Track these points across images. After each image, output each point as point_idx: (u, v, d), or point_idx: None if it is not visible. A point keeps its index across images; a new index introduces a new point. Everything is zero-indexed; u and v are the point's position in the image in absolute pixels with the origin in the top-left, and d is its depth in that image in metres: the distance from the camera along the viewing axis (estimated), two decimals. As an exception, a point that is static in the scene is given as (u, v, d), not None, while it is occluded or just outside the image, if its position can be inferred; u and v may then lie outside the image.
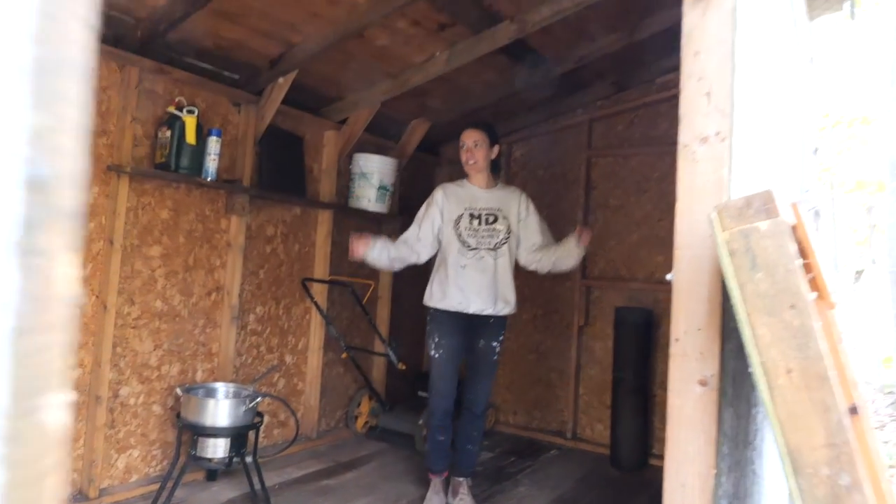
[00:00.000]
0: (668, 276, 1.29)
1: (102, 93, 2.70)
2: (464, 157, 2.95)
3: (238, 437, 2.74)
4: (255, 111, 3.30)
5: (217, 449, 2.71)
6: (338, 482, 3.23)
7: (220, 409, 2.70)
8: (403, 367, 3.72)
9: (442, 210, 2.95)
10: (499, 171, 3.12)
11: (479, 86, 3.92)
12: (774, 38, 1.65)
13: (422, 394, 4.14)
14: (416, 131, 4.36)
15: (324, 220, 3.86)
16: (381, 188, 4.00)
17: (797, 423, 0.96)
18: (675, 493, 1.27)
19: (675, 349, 1.27)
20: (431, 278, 2.96)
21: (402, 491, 3.16)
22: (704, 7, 1.28)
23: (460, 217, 2.92)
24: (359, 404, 4.13)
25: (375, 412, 4.11)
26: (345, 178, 4.04)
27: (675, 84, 1.42)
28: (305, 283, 3.71)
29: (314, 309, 3.81)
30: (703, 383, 1.24)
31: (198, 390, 2.87)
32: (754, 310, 0.98)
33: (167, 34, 2.71)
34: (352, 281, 3.89)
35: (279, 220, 3.62)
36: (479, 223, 2.91)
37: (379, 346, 4.17)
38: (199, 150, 2.84)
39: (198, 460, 2.71)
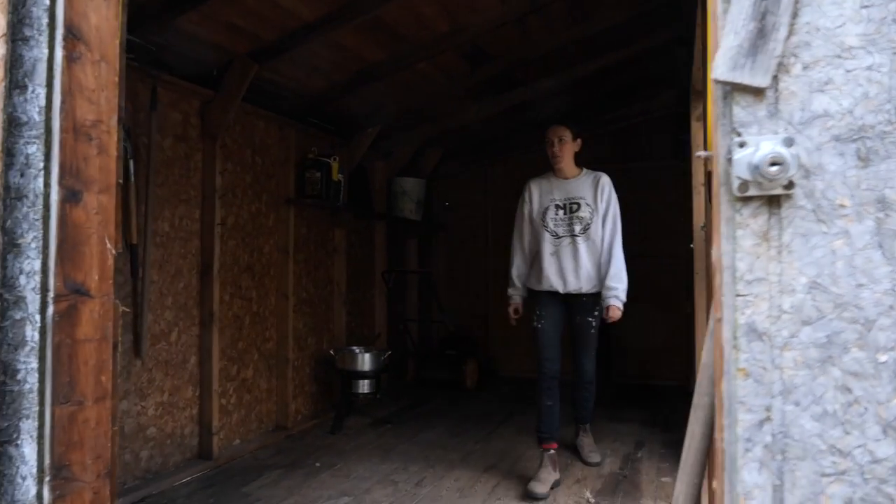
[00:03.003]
0: (691, 245, 2.88)
1: (269, 148, 3.89)
2: (549, 153, 3.25)
3: (379, 377, 4.07)
4: (347, 153, 4.58)
5: (365, 386, 4.03)
6: (427, 409, 4.61)
7: (368, 359, 4.01)
8: (453, 329, 5.17)
9: (531, 205, 3.31)
10: (579, 161, 3.37)
11: (478, 125, 5.41)
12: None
13: (448, 352, 5.59)
14: (431, 157, 5.78)
15: (380, 227, 5.19)
16: (418, 202, 5.39)
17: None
18: (699, 340, 2.86)
19: (696, 276, 2.86)
20: (531, 265, 3.34)
21: (470, 409, 4.60)
22: (700, 124, 2.88)
23: (547, 209, 3.24)
24: (406, 362, 5.51)
25: (417, 367, 5.51)
26: (384, 196, 5.40)
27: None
28: (384, 275, 5.04)
29: (376, 292, 5.14)
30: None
31: (343, 351, 4.15)
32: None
33: (322, 107, 3.97)
34: (427, 271, 5.33)
35: (355, 229, 4.90)
36: (565, 212, 3.22)
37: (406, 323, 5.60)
38: (338, 184, 4.11)
39: (354, 395, 4.01)
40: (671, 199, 5.60)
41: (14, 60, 0.88)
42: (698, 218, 2.90)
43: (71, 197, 0.90)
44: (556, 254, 3.22)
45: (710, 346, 0.74)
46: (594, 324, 3.27)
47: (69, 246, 0.89)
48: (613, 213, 3.24)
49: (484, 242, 6.18)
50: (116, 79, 0.98)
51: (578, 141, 3.28)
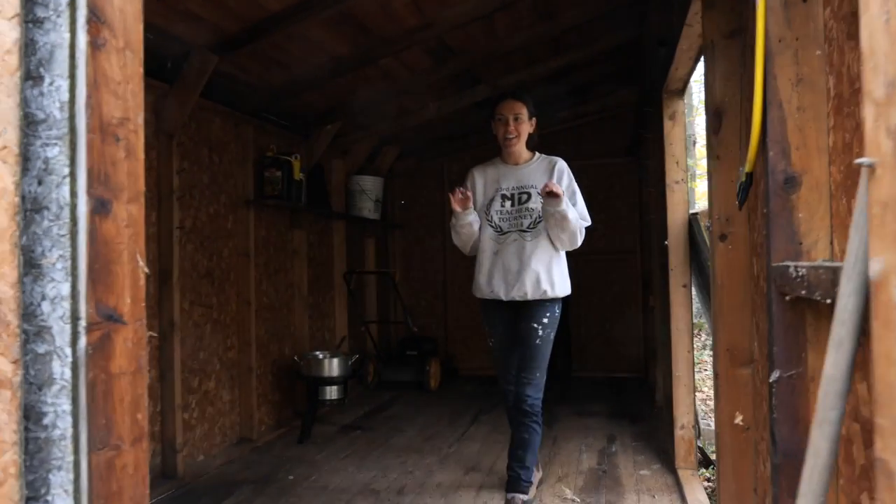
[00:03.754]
0: (666, 242, 2.91)
1: (226, 145, 3.67)
2: (501, 132, 2.69)
3: (346, 382, 3.93)
4: (306, 150, 4.39)
5: (333, 392, 3.88)
6: (392, 412, 4.51)
7: (336, 364, 3.87)
8: (416, 330, 5.07)
9: (474, 196, 2.76)
10: (534, 144, 2.81)
11: (438, 121, 5.34)
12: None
13: (409, 352, 5.49)
14: (388, 155, 5.65)
15: (339, 227, 5.02)
16: (376, 201, 5.26)
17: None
18: (675, 335, 2.91)
19: (671, 273, 2.91)
20: (474, 269, 2.81)
21: (438, 411, 4.53)
22: (673, 123, 2.92)
23: (492, 200, 2.73)
24: (367, 365, 5.38)
25: (378, 369, 5.38)
26: (342, 195, 5.23)
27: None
28: (346, 276, 4.87)
29: (336, 294, 4.98)
30: (685, 286, 2.90)
31: (309, 357, 3.99)
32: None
33: (279, 103, 3.77)
34: (390, 271, 5.19)
35: (314, 230, 4.72)
36: (512, 204, 2.69)
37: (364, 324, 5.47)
38: (300, 184, 3.93)
39: (320, 402, 3.86)
40: (627, 195, 5.72)
41: (26, 46, 0.74)
42: (675, 216, 2.94)
43: (100, 208, 0.77)
44: (500, 253, 2.68)
45: (836, 359, 0.70)
46: (540, 333, 2.65)
47: (100, 265, 0.76)
48: (576, 202, 2.66)
49: (441, 240, 6.12)
50: (141, 70, 0.85)
51: (534, 121, 2.77)
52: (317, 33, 3.30)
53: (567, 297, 2.77)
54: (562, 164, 2.75)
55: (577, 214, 2.59)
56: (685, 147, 2.99)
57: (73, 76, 0.75)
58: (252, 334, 3.73)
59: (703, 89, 2.36)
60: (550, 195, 2.48)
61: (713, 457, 3.77)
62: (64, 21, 0.74)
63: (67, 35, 0.75)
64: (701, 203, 8.66)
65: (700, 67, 2.52)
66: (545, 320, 2.69)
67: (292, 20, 3.01)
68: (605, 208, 5.69)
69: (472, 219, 2.70)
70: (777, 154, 1.11)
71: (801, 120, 1.09)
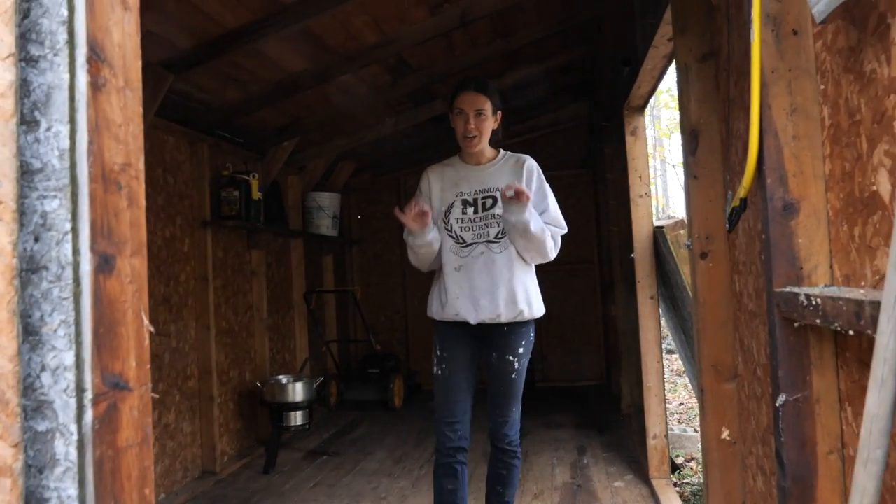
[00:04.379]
0: (632, 255, 2.97)
1: (180, 165, 3.52)
2: (461, 129, 2.29)
3: (311, 407, 3.82)
4: (262, 168, 4.26)
5: (297, 418, 3.76)
6: (356, 435, 4.41)
7: (299, 389, 3.75)
8: (379, 348, 4.98)
9: (431, 201, 2.36)
10: (497, 140, 2.42)
11: (395, 136, 5.30)
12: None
13: (371, 370, 5.40)
14: (344, 170, 5.56)
15: (297, 245, 4.90)
16: (334, 217, 5.16)
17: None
18: (645, 346, 2.96)
19: (639, 285, 2.96)
20: (432, 285, 2.42)
21: (404, 431, 4.46)
22: (635, 138, 2.98)
23: (451, 206, 2.32)
24: (329, 386, 5.25)
25: (341, 390, 5.26)
26: (299, 212, 5.11)
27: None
28: (307, 296, 4.74)
29: (296, 314, 4.84)
30: (652, 298, 2.95)
31: (271, 382, 3.85)
32: (682, 263, 2.67)
33: (234, 120, 3.65)
34: (351, 289, 5.07)
35: (271, 249, 4.59)
36: (475, 210, 2.29)
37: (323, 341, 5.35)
38: (258, 203, 3.80)
39: (285, 429, 3.73)
40: (584, 206, 5.82)
41: (20, 88, 0.67)
42: (640, 229, 3.00)
43: (104, 265, 0.70)
44: (465, 269, 2.26)
45: (879, 397, 0.70)
46: (517, 366, 2.28)
47: (105, 329, 0.69)
48: (548, 206, 2.33)
49: (399, 255, 6.06)
50: (141, 109, 0.78)
51: (499, 115, 2.37)
52: (274, 50, 3.22)
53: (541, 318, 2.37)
54: (531, 163, 2.36)
55: (541, 224, 2.22)
56: (647, 162, 3.06)
57: (73, 120, 0.68)
58: (212, 361, 3.58)
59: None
60: (512, 199, 2.10)
61: (678, 461, 3.86)
62: (62, 60, 0.67)
63: (66, 76, 0.68)
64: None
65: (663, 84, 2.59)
66: (521, 350, 2.29)
67: (250, 37, 2.92)
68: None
69: (431, 237, 2.25)
70: (775, 181, 1.13)
71: (797, 148, 1.12)
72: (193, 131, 3.57)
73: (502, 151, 2.42)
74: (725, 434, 1.73)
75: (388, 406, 5.07)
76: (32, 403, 0.66)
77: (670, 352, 6.83)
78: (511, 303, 2.25)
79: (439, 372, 2.33)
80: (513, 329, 2.29)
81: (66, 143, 0.67)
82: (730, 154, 1.59)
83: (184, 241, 3.50)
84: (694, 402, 5.28)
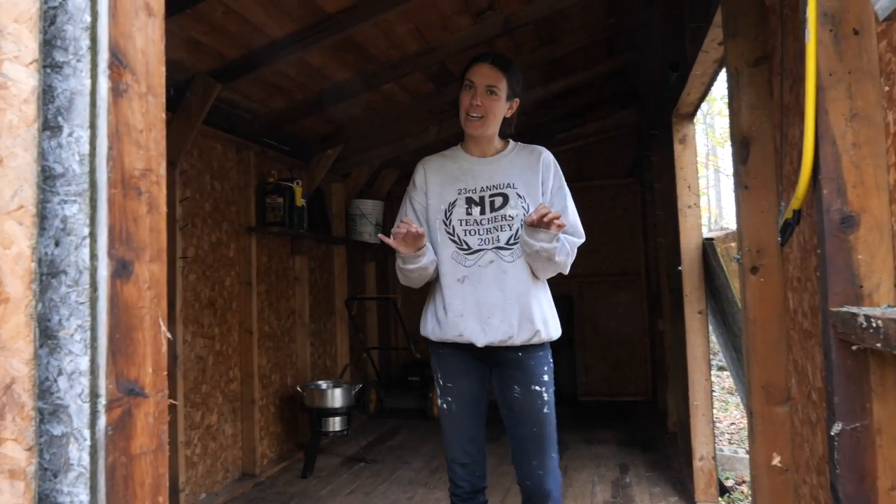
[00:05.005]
0: (679, 268, 2.86)
1: (227, 172, 3.60)
2: (465, 104, 1.93)
3: (350, 413, 3.83)
4: (307, 175, 4.33)
5: (336, 423, 3.78)
6: (394, 443, 4.39)
7: (339, 395, 3.76)
8: (419, 356, 4.97)
9: (427, 199, 2.01)
10: (509, 133, 2.07)
11: (440, 143, 5.30)
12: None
13: (411, 378, 5.38)
14: (388, 178, 5.60)
15: (340, 252, 4.94)
16: (377, 225, 5.19)
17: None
18: (692, 363, 2.84)
19: (686, 299, 2.84)
20: (427, 302, 2.05)
21: (440, 441, 4.41)
22: (684, 146, 2.88)
23: (452, 205, 1.96)
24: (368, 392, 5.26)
25: (380, 397, 5.27)
26: (342, 219, 5.16)
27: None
28: (348, 303, 4.78)
29: (338, 320, 4.88)
30: (700, 313, 2.83)
31: (311, 387, 3.88)
32: (732, 277, 2.55)
33: (280, 128, 3.71)
34: (393, 296, 5.11)
35: (315, 256, 4.64)
36: (482, 211, 1.93)
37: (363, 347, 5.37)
38: (301, 210, 3.86)
39: (324, 434, 3.75)
40: (631, 216, 5.68)
41: (43, 94, 0.67)
42: (688, 241, 2.89)
43: (121, 270, 0.69)
44: (470, 280, 1.90)
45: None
46: (545, 396, 1.91)
47: (121, 334, 0.69)
48: (567, 209, 1.95)
49: (442, 263, 6.05)
50: (163, 115, 0.78)
51: (515, 103, 2.00)
52: (319, 59, 3.26)
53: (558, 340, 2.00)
54: (548, 156, 2.00)
55: (567, 247, 1.87)
56: (696, 171, 2.95)
57: (93, 126, 0.68)
58: (255, 365, 3.63)
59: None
60: (538, 224, 1.76)
61: (727, 483, 3.68)
62: (85, 66, 0.68)
63: (88, 81, 0.68)
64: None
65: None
66: (545, 377, 1.92)
67: (295, 47, 2.97)
68: (608, 229, 5.65)
69: (426, 261, 1.90)
70: (832, 192, 1.05)
71: (857, 156, 1.04)
72: (240, 139, 3.65)
73: (512, 142, 2.05)
74: (776, 460, 1.62)
75: (426, 415, 5.04)
76: (49, 407, 0.66)
77: (721, 368, 6.57)
78: (526, 321, 1.88)
79: (445, 406, 1.99)
80: (529, 354, 1.91)
81: (86, 149, 0.67)
82: (784, 163, 1.50)
83: (229, 247, 3.57)
84: (746, 421, 5.05)
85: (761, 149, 1.65)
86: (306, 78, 3.44)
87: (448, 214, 1.95)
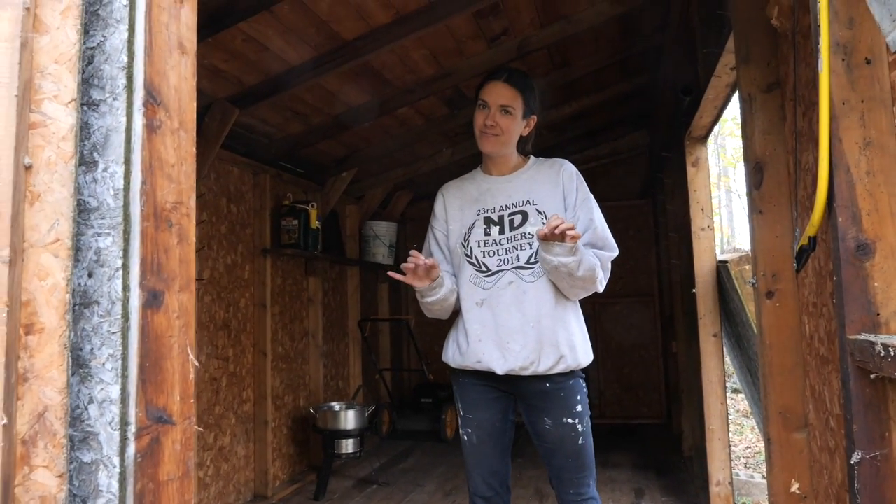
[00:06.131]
0: (693, 290, 2.85)
1: (244, 195, 3.66)
2: (479, 123, 1.89)
3: (363, 435, 3.82)
4: (321, 198, 4.38)
5: (349, 445, 3.77)
6: (407, 465, 4.37)
7: (352, 417, 3.76)
8: (432, 378, 4.96)
9: (447, 224, 1.96)
10: (529, 150, 2.02)
11: (453, 165, 5.34)
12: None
13: (424, 400, 5.36)
14: (401, 199, 5.64)
15: (353, 273, 4.98)
16: (390, 246, 5.22)
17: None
18: (707, 387, 2.81)
19: (701, 322, 2.83)
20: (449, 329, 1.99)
21: (454, 463, 4.39)
22: (696, 169, 2.89)
23: (472, 227, 1.90)
24: (381, 414, 5.25)
25: (393, 419, 5.25)
26: (356, 240, 5.21)
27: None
28: (361, 324, 4.80)
29: (350, 342, 4.89)
30: (715, 335, 2.81)
31: (324, 409, 3.88)
32: (747, 300, 2.54)
33: (296, 151, 3.78)
34: (406, 318, 5.13)
35: (328, 277, 4.68)
36: (501, 230, 1.87)
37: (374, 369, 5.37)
38: (316, 232, 3.90)
39: (337, 456, 3.74)
40: (643, 237, 5.68)
41: (80, 130, 0.70)
42: (702, 263, 2.88)
43: (152, 301, 0.72)
44: (489, 303, 1.83)
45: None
46: (580, 428, 1.82)
47: (151, 363, 0.71)
48: (593, 221, 1.85)
49: (454, 284, 6.06)
50: (194, 149, 0.81)
51: (532, 121, 1.94)
52: (335, 84, 3.32)
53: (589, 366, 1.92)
54: (570, 168, 1.91)
55: (591, 262, 1.75)
56: (710, 193, 2.95)
57: (128, 161, 0.71)
58: (268, 386, 3.64)
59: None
60: (551, 238, 1.66)
61: (745, 510, 3.62)
62: (121, 104, 0.71)
63: (124, 118, 0.71)
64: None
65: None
66: (578, 407, 1.82)
67: (312, 73, 3.03)
68: (621, 251, 5.58)
69: (444, 292, 1.84)
70: (847, 219, 1.06)
71: (872, 184, 1.05)
72: (257, 162, 3.71)
73: (532, 158, 1.98)
74: (795, 488, 1.60)
75: (439, 437, 5.01)
76: (79, 434, 0.68)
77: (736, 391, 6.49)
78: (549, 346, 1.78)
79: (465, 437, 1.91)
80: (558, 384, 1.80)
81: (120, 183, 0.70)
82: (798, 188, 1.50)
83: (244, 268, 3.61)
84: (762, 445, 4.97)
85: (775, 173, 1.66)
86: (322, 103, 3.50)
87: (466, 237, 1.89)
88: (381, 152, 4.46)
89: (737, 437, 5.50)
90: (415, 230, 6.17)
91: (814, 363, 1.52)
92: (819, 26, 1.07)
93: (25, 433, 0.66)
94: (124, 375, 0.68)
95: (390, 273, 1.87)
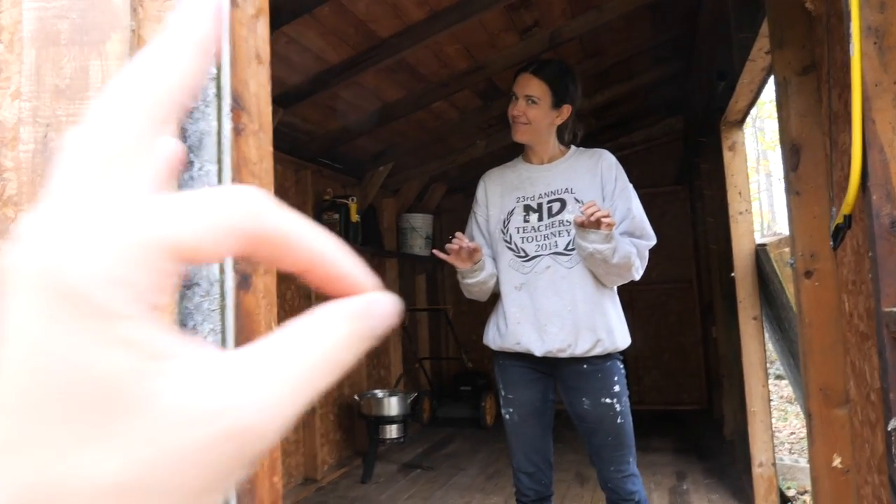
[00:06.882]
0: (732, 274, 2.86)
1: (287, 191, 3.80)
2: (510, 113, 1.98)
3: (406, 421, 3.94)
4: (360, 192, 4.50)
5: (393, 431, 3.89)
6: (449, 451, 4.48)
7: (394, 404, 3.88)
8: (471, 366, 5.06)
9: (488, 209, 2.04)
10: (570, 139, 2.07)
11: (487, 157, 5.40)
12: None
13: (463, 388, 5.46)
14: (436, 192, 5.74)
15: (391, 265, 5.10)
16: (427, 238, 5.32)
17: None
18: (748, 369, 2.83)
19: (740, 305, 2.85)
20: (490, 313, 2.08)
21: (495, 447, 4.48)
22: (733, 153, 2.90)
23: (511, 213, 1.98)
24: (421, 402, 5.38)
25: (433, 406, 5.37)
26: (393, 233, 5.32)
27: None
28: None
29: (390, 331, 5.02)
30: (755, 318, 2.83)
31: (368, 396, 4.02)
32: (787, 282, 2.55)
33: (335, 147, 3.90)
34: (444, 307, 5.25)
35: (368, 269, 4.79)
36: (540, 217, 1.94)
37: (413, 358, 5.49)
38: (356, 225, 4.03)
39: (381, 441, 3.87)
40: (680, 224, 5.65)
41: (179, 135, 0.80)
42: (741, 247, 2.89)
43: (243, 282, 0.82)
44: (527, 287, 1.91)
45: None
46: (618, 408, 1.88)
47: (244, 337, 0.81)
48: (631, 210, 1.91)
49: (490, 274, 6.14)
50: (271, 148, 0.90)
51: (565, 110, 1.97)
52: (372, 81, 3.42)
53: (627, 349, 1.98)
54: (610, 158, 1.98)
55: (626, 249, 1.79)
56: (747, 177, 2.96)
57: (220, 160, 0.80)
58: (314, 375, 3.79)
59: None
60: (587, 224, 1.71)
61: (789, 493, 3.61)
62: (212, 110, 0.81)
63: (215, 123, 0.80)
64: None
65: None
66: (616, 387, 1.88)
67: (351, 71, 3.13)
68: (658, 238, 5.61)
69: (485, 275, 1.92)
70: (881, 197, 1.10)
71: (905, 163, 1.08)
72: (298, 160, 3.84)
73: (573, 147, 2.04)
74: (837, 462, 1.64)
75: (479, 423, 5.11)
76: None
77: (779, 377, 6.41)
78: (587, 330, 1.84)
79: (507, 416, 2.00)
80: (596, 365, 1.87)
81: (214, 180, 0.80)
82: (834, 169, 1.53)
83: (290, 262, 3.75)
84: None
85: (812, 155, 1.68)
86: (361, 100, 3.60)
87: (506, 223, 1.97)
88: (416, 146, 4.56)
89: (781, 423, 5.45)
90: (450, 222, 6.26)
91: (854, 340, 1.56)
92: (850, 11, 1.10)
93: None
94: (224, 346, 0.78)
95: (435, 251, 1.94)
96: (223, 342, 0.79)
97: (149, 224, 0.17)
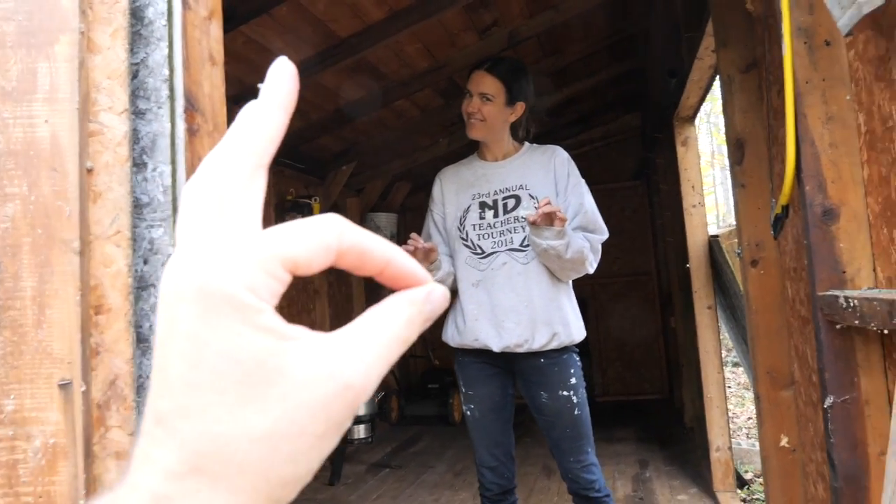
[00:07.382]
0: (687, 265, 2.96)
1: (248, 193, 3.76)
2: (464, 110, 2.00)
3: (373, 420, 3.95)
4: (323, 192, 4.48)
5: (360, 431, 3.90)
6: (417, 449, 4.50)
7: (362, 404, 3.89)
8: (437, 364, 5.09)
9: (444, 206, 2.07)
10: (524, 136, 2.08)
11: (450, 154, 5.44)
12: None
13: (431, 386, 5.49)
14: (400, 191, 5.74)
15: (356, 265, 5.09)
16: (391, 237, 5.33)
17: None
18: (704, 356, 2.93)
19: (695, 295, 2.94)
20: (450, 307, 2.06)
21: (463, 444, 4.52)
22: (686, 148, 2.99)
23: (467, 210, 2.01)
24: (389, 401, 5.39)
25: (401, 405, 5.38)
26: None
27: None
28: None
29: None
30: (710, 307, 2.93)
31: (335, 396, 4.01)
32: (738, 271, 2.65)
33: (297, 147, 3.87)
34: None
35: (333, 269, 4.78)
36: (495, 214, 1.97)
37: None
38: (320, 226, 4.02)
39: (349, 442, 3.87)
40: (639, 218, 5.78)
41: (131, 137, 0.81)
42: (695, 239, 2.99)
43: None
44: (484, 283, 1.93)
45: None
46: (575, 400, 1.92)
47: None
48: (583, 205, 1.93)
49: (456, 272, 6.17)
50: (225, 149, 0.91)
51: (519, 107, 1.99)
52: (332, 80, 3.41)
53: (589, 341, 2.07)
54: (562, 154, 2.01)
55: (579, 244, 1.83)
56: (700, 171, 3.06)
57: (174, 161, 0.81)
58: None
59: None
60: (540, 221, 1.74)
61: (746, 476, 3.75)
62: (165, 112, 0.81)
63: (168, 124, 0.81)
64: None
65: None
66: (573, 380, 1.91)
67: (311, 71, 3.12)
68: (617, 232, 5.72)
69: (441, 274, 1.94)
70: (813, 188, 1.16)
71: (835, 155, 1.15)
72: (259, 160, 3.81)
73: (527, 144, 2.07)
74: (784, 441, 1.72)
75: (447, 421, 5.15)
76: (144, 401, 0.79)
77: (736, 364, 6.62)
78: (544, 325, 1.87)
79: (468, 412, 2.01)
80: (552, 359, 1.90)
81: (168, 181, 0.81)
82: (775, 162, 1.61)
83: (252, 263, 3.72)
84: (763, 416, 5.10)
85: (755, 149, 1.76)
86: (321, 99, 3.59)
87: (462, 220, 2.00)
88: (379, 145, 4.56)
89: (739, 409, 5.63)
90: (414, 220, 6.29)
91: (796, 324, 1.64)
92: (782, 12, 1.17)
93: (100, 398, 0.76)
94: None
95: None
96: (181, 341, 0.80)
97: (271, 245, 0.23)
